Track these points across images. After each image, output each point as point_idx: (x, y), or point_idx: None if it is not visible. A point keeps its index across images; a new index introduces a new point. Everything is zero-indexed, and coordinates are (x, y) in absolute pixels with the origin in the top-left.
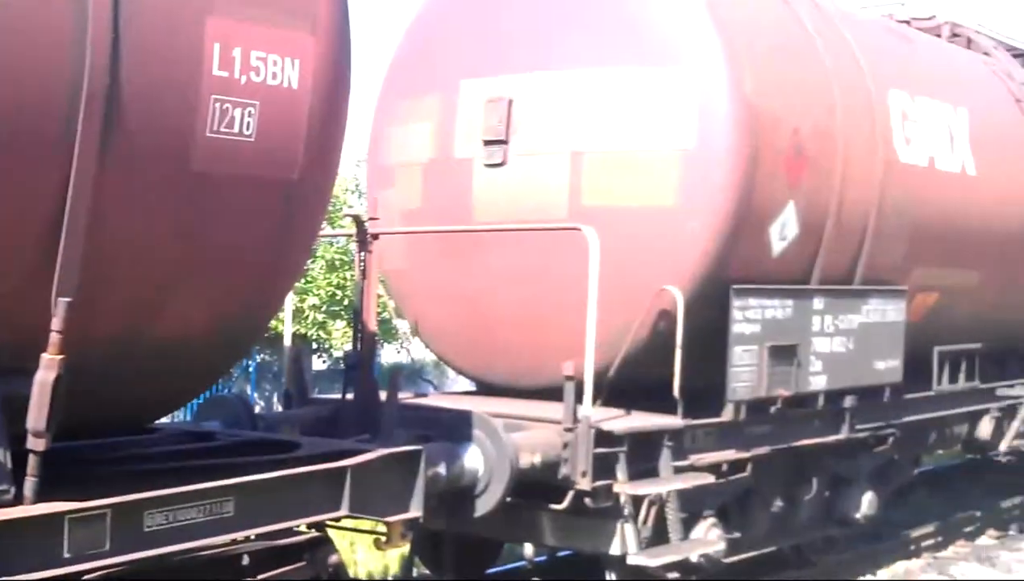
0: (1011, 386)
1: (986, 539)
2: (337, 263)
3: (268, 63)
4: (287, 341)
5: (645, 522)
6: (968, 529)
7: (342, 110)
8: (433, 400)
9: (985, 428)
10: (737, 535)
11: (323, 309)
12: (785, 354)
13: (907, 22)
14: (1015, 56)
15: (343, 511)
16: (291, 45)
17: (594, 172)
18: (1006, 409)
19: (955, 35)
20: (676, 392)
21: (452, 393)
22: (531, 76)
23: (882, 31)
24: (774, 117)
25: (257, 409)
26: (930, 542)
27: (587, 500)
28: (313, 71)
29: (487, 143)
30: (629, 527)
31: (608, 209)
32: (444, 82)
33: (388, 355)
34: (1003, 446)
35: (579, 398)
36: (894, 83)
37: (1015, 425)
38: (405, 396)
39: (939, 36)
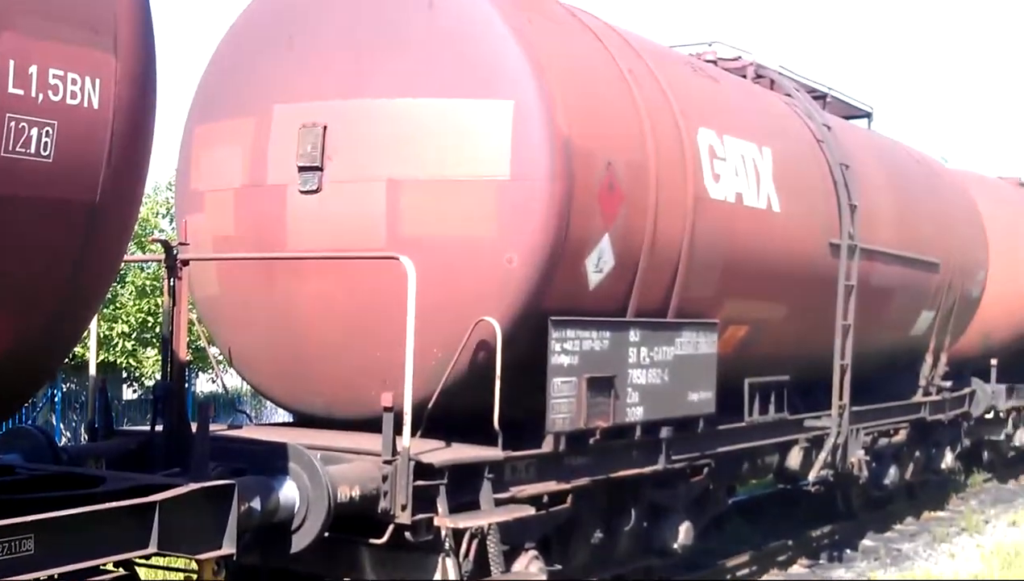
0: (818, 417)
1: (798, 567)
2: (148, 289)
3: (67, 81)
4: (92, 370)
5: (466, 555)
6: (781, 558)
7: (147, 131)
8: (248, 432)
9: (795, 458)
10: (558, 567)
11: (133, 336)
12: (603, 385)
13: (714, 62)
14: (815, 97)
15: (152, 548)
16: (91, 64)
17: (412, 201)
18: (814, 440)
19: (759, 76)
20: (496, 424)
21: (269, 424)
22: (347, 103)
23: (691, 70)
24: (588, 151)
25: (63, 441)
26: (745, 571)
27: (407, 534)
28: (115, 90)
29: (302, 169)
30: (450, 561)
31: (426, 238)
32: (256, 106)
33: (202, 385)
34: (811, 475)
35: (398, 430)
36: (703, 121)
37: (822, 455)
38: (219, 428)
39: (744, 76)
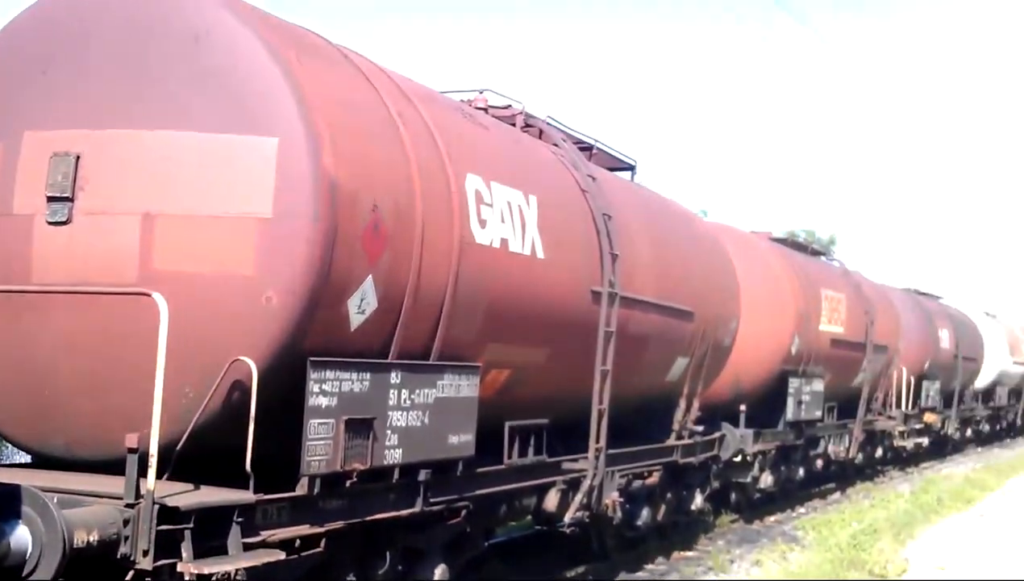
0: (575, 460)
1: None
2: None
3: None
4: None
5: None
6: None
7: None
8: None
9: (552, 500)
10: None
11: None
12: (362, 427)
13: (485, 109)
14: (581, 148)
15: None
16: None
17: (168, 236)
18: (571, 482)
19: (528, 125)
20: (247, 466)
21: (6, 466)
22: (104, 133)
23: (461, 116)
24: (353, 192)
25: None
26: None
27: None
28: None
29: (51, 199)
30: None
31: (182, 275)
32: (5, 131)
33: None
34: (568, 517)
35: (143, 472)
36: (471, 168)
37: (578, 497)
38: None
39: (514, 124)
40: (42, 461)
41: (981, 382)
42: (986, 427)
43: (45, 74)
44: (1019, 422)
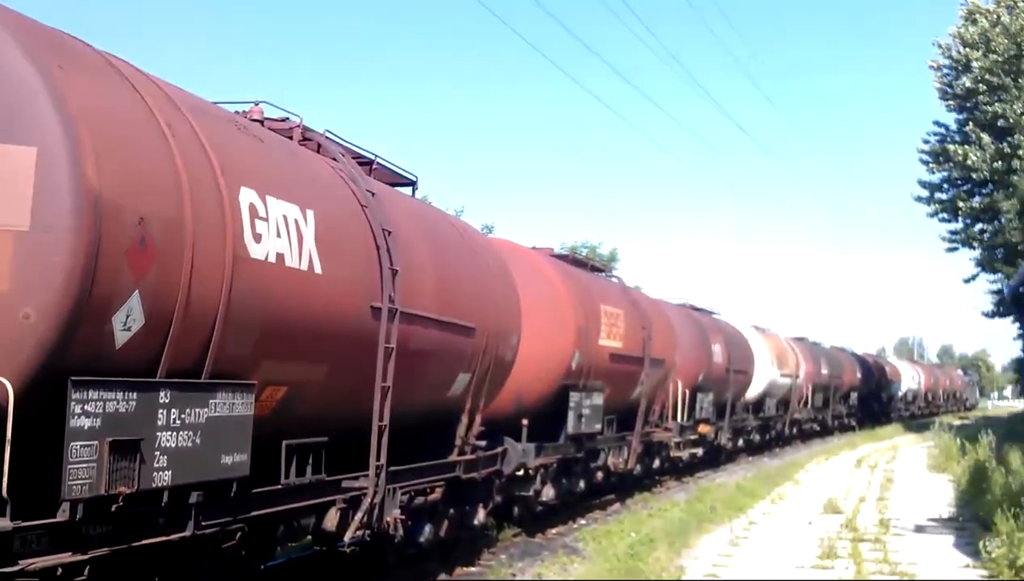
0: (355, 478)
1: None
2: None
3: None
4: None
5: None
6: None
7: None
8: None
9: (331, 520)
10: None
11: None
12: (128, 449)
13: (261, 121)
14: (361, 164)
15: None
16: None
17: None
18: (351, 500)
19: (306, 138)
20: (3, 491)
21: None
22: None
23: (235, 128)
24: (118, 205)
25: None
26: None
27: None
28: None
29: None
30: None
31: None
32: None
33: None
34: (347, 536)
35: None
36: (245, 181)
37: (359, 516)
38: None
39: (291, 138)
40: None
41: (751, 393)
42: (756, 437)
43: None
44: (786, 432)
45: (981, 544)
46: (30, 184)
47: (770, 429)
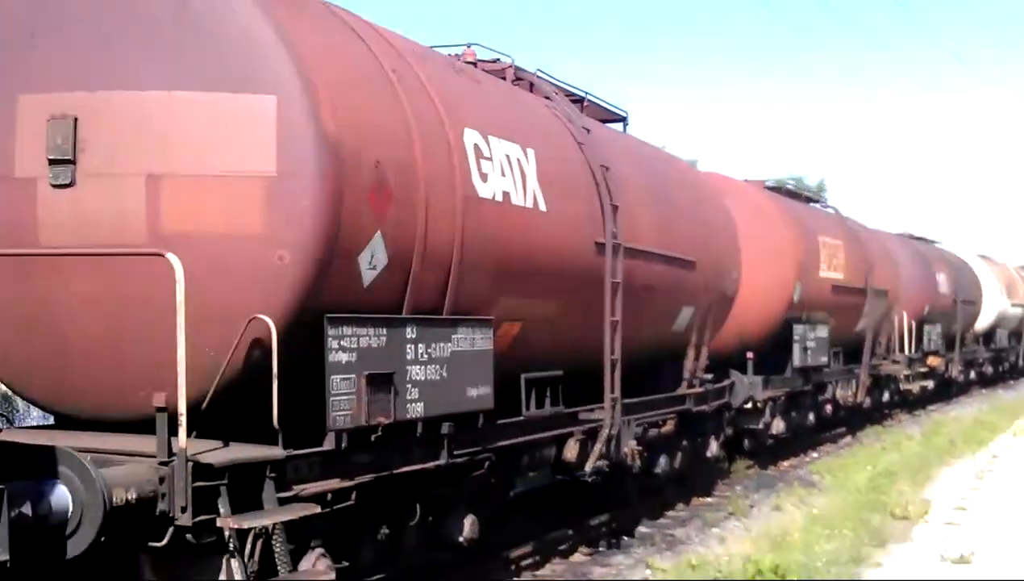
0: (591, 410)
1: (579, 555)
2: None
3: None
4: None
5: (252, 556)
6: (562, 547)
7: None
8: (8, 436)
9: (571, 450)
10: (346, 564)
11: None
12: (382, 382)
13: (474, 63)
14: (572, 101)
15: None
16: None
17: (174, 197)
18: (589, 432)
19: (519, 78)
20: (275, 422)
21: (29, 427)
22: (95, 95)
23: (453, 71)
24: (355, 149)
25: None
26: (528, 561)
27: (189, 536)
28: None
29: (52, 162)
30: (235, 562)
31: (192, 235)
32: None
33: None
34: (588, 467)
35: (173, 430)
36: (468, 122)
37: (597, 447)
38: None
39: (504, 78)
40: (62, 421)
41: (981, 325)
42: (989, 369)
43: (34, 37)
44: (1021, 363)
45: None
46: (273, 132)
47: (1003, 361)
